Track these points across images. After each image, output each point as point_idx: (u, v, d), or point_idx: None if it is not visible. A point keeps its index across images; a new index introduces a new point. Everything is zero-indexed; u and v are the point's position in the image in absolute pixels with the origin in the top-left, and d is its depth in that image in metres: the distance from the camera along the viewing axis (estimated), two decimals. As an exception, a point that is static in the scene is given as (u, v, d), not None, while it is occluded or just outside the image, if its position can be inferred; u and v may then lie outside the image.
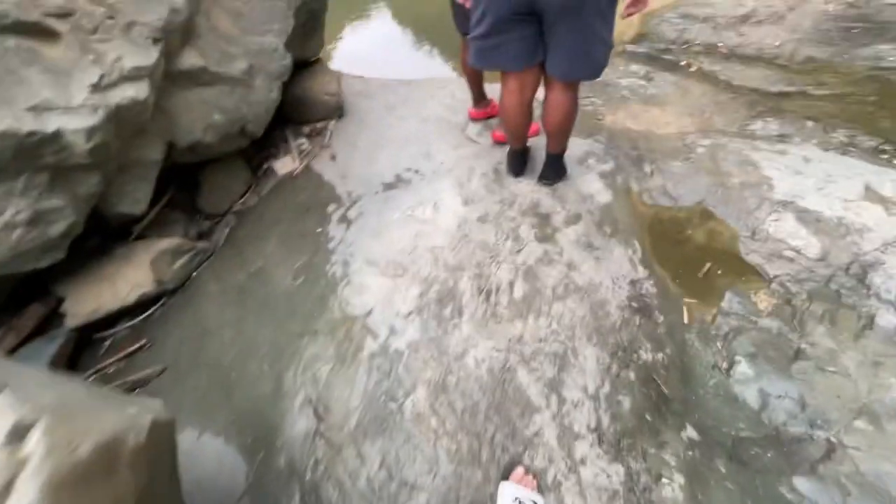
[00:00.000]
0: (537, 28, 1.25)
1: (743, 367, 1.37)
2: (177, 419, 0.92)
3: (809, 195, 1.68)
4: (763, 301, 1.54)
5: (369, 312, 1.37)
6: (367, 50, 5.29)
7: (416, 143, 2.24)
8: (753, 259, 1.64)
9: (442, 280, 1.39)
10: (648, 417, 1.18)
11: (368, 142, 2.40)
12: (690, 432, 1.20)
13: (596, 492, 1.05)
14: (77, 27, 1.34)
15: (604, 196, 1.81)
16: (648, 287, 1.57)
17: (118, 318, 1.80)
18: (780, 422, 1.24)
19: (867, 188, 1.66)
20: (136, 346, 1.72)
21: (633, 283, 1.55)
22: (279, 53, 2.03)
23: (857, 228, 1.55)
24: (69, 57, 1.31)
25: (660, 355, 1.36)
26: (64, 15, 1.32)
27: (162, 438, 0.81)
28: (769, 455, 1.17)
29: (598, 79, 1.36)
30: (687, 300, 1.60)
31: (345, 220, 1.93)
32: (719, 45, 3.79)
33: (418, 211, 1.70)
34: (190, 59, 1.69)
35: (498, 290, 1.38)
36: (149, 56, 1.45)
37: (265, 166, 2.49)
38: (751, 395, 1.31)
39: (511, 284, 1.41)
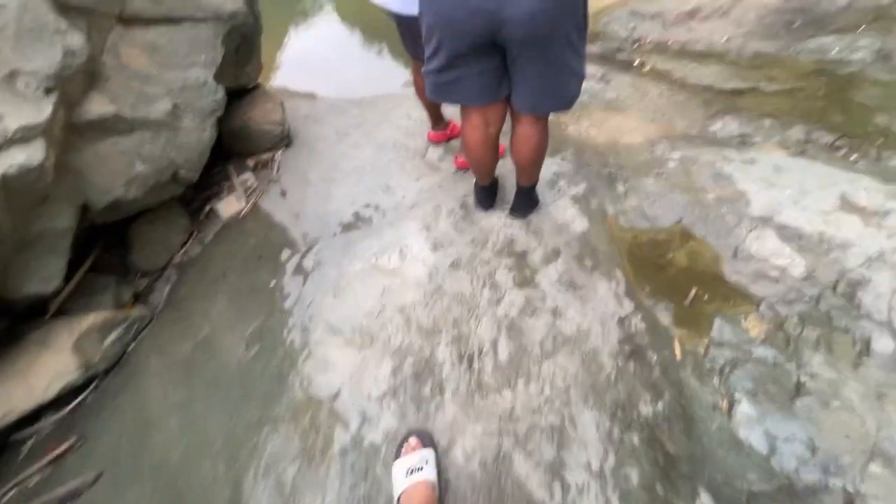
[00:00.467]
0: (500, 60, 1.10)
1: (744, 407, 1.29)
2: None
3: (787, 209, 1.63)
4: (754, 327, 1.47)
5: (336, 394, 1.19)
6: (312, 63, 5.02)
7: (374, 175, 2.06)
8: (738, 280, 1.57)
9: (417, 349, 1.23)
10: (659, 490, 1.07)
11: (321, 174, 2.19)
12: (704, 499, 1.09)
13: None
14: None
15: (579, 223, 1.70)
16: (637, 323, 1.47)
17: (41, 411, 1.53)
18: (792, 469, 1.16)
19: (842, 198, 1.62)
20: (65, 446, 1.46)
21: (621, 321, 1.45)
22: (209, 87, 1.80)
23: (840, 244, 1.50)
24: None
25: (659, 405, 1.26)
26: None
27: None
28: (787, 512, 1.08)
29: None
30: (677, 332, 1.51)
31: (301, 270, 1.73)
32: (670, 42, 3.80)
33: (383, 259, 1.52)
34: (98, 107, 1.44)
35: (481, 352, 1.24)
36: (41, 111, 1.21)
37: (207, 208, 2.24)
38: (757, 439, 1.23)
39: (494, 344, 1.26)
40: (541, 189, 1.83)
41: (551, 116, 1.29)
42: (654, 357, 1.40)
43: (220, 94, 1.85)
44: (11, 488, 1.39)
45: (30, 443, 1.51)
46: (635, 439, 1.15)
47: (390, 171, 2.05)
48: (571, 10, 0.95)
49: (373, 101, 2.77)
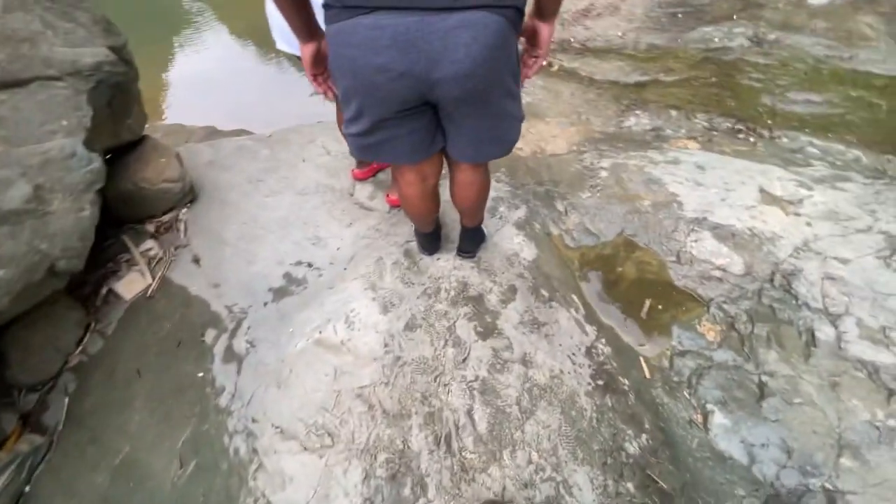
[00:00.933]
0: (432, 114, 0.99)
1: (718, 418, 1.30)
2: None
3: (717, 208, 1.69)
4: (709, 330, 1.51)
5: (302, 516, 1.02)
6: (207, 90, 4.58)
7: (300, 226, 1.85)
8: (686, 285, 1.61)
9: (387, 441, 1.09)
10: (664, 538, 1.03)
11: (238, 232, 1.94)
12: (706, 533, 1.07)
13: None
14: None
15: (528, 251, 1.64)
16: (602, 349, 1.44)
17: None
18: (773, 475, 1.18)
19: (761, 191, 1.72)
20: None
21: (588, 351, 1.41)
22: (79, 158, 1.49)
23: (769, 237, 1.58)
24: None
25: (643, 438, 1.23)
26: None
27: None
28: (780, 525, 1.10)
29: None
30: (640, 349, 1.51)
31: (233, 355, 1.50)
32: (571, 40, 3.92)
33: (328, 332, 1.35)
34: (-77, 211, 1.12)
35: (458, 428, 1.12)
36: None
37: (104, 291, 1.89)
38: (736, 450, 1.25)
39: (470, 414, 1.15)
40: (485, 220, 1.76)
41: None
42: (625, 382, 1.37)
43: (96, 162, 1.55)
44: None
45: None
46: (630, 486, 1.10)
47: (318, 218, 1.86)
48: (506, 58, 0.85)
49: (283, 136, 2.53)
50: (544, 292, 1.52)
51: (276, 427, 1.18)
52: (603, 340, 1.47)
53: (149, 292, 1.85)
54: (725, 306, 1.53)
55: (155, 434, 1.39)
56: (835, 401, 1.24)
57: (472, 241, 1.52)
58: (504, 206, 1.82)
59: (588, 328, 1.48)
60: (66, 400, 1.60)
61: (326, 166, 2.14)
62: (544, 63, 1.01)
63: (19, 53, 1.37)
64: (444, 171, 1.25)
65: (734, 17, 3.40)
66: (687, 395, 1.38)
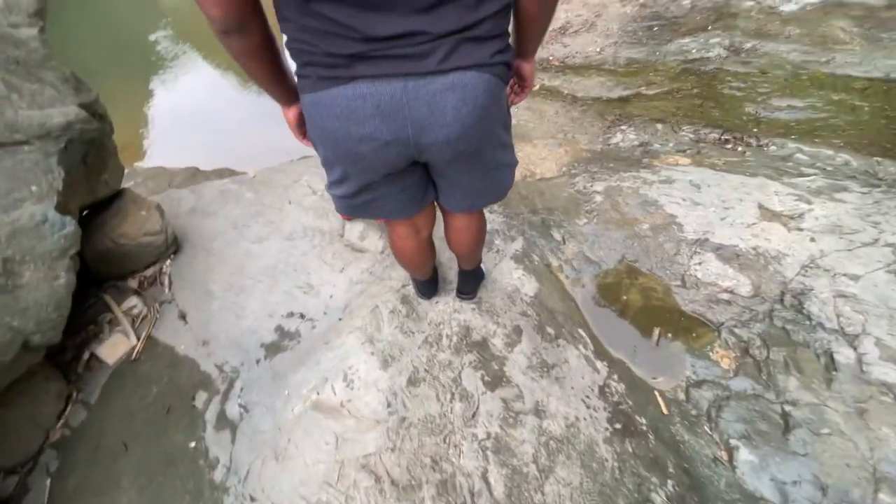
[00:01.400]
0: (423, 171, 0.94)
1: (744, 454, 1.24)
2: None
3: (717, 228, 1.65)
4: (723, 357, 1.45)
5: None
6: (185, 127, 4.51)
7: (290, 274, 1.78)
8: (694, 309, 1.56)
9: (398, 518, 1.01)
10: None
11: (225, 283, 1.86)
12: None
13: None
14: None
15: (528, 286, 1.58)
16: (615, 386, 1.38)
17: None
18: (810, 516, 1.12)
19: (760, 207, 1.69)
20: None
21: (602, 391, 1.34)
22: (52, 224, 1.41)
23: (774, 255, 1.54)
24: None
25: (669, 485, 1.16)
26: None
27: None
28: (825, 574, 1.02)
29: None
30: (654, 383, 1.45)
31: (225, 422, 1.41)
32: (550, 58, 3.94)
33: (325, 393, 1.27)
34: None
35: (473, 495, 1.04)
36: None
37: (86, 356, 1.79)
38: (767, 489, 1.18)
39: (485, 477, 1.07)
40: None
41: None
42: (643, 422, 1.31)
43: (70, 226, 1.47)
44: None
45: None
46: (662, 545, 1.03)
47: (308, 265, 1.79)
48: (497, 113, 0.80)
49: (267, 176, 2.47)
50: (550, 330, 1.45)
51: (276, 506, 1.09)
52: (615, 377, 1.41)
53: (134, 354, 1.76)
54: (737, 330, 1.48)
55: (145, 517, 1.29)
56: (864, 429, 1.18)
57: (472, 282, 1.46)
58: (500, 239, 1.77)
59: (598, 364, 1.42)
60: (48, 481, 1.49)
61: (314, 207, 2.07)
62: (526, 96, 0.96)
63: (-19, 121, 1.30)
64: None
65: (709, 27, 3.45)
66: (708, 430, 1.32)
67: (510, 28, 0.77)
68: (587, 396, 1.30)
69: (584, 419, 1.23)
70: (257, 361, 1.56)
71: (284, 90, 0.82)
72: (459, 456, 1.11)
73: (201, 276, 1.93)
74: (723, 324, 1.51)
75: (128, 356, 1.77)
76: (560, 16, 4.20)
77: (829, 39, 3.00)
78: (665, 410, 1.37)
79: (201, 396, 1.54)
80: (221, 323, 1.73)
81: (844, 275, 1.43)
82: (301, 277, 1.75)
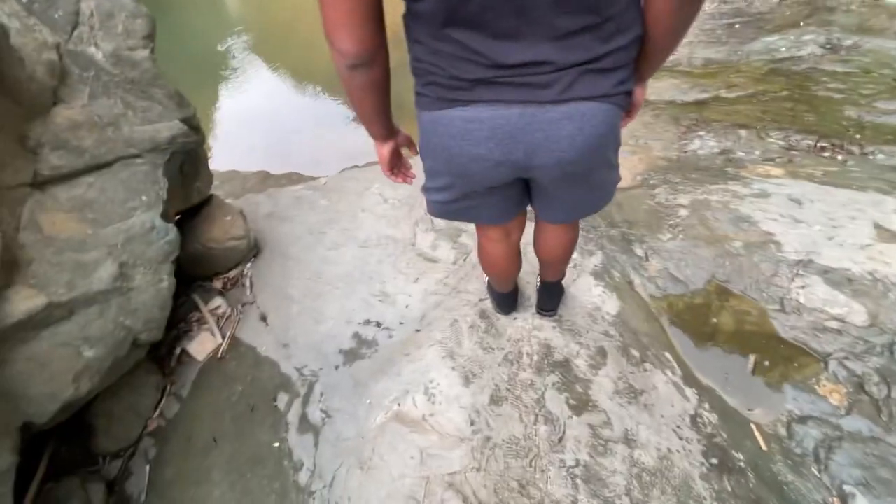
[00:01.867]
0: (524, 183, 0.94)
1: (861, 503, 1.12)
2: None
3: (824, 248, 1.51)
4: (831, 392, 1.32)
5: None
6: (255, 132, 4.73)
7: (366, 281, 1.82)
8: (796, 337, 1.43)
9: (487, 543, 1.00)
10: None
11: (303, 288, 1.93)
12: None
13: None
14: None
15: (610, 304, 1.52)
16: (708, 416, 1.29)
17: None
18: (947, 583, 0.99)
19: (876, 226, 1.52)
20: None
21: (694, 422, 1.26)
22: (158, 231, 1.53)
23: (895, 282, 1.38)
24: None
25: (775, 531, 1.07)
26: None
27: None
28: None
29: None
30: (749, 415, 1.34)
31: (308, 425, 1.46)
32: (618, 60, 3.79)
33: (407, 405, 1.28)
34: (24, 303, 1.15)
35: (564, 526, 1.01)
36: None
37: (178, 351, 1.92)
38: (891, 547, 1.06)
39: (575, 507, 1.04)
40: (556, 268, 1.66)
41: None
42: (740, 458, 1.22)
43: (172, 233, 1.58)
44: None
45: None
46: None
47: (383, 273, 1.82)
48: (612, 140, 0.79)
49: (339, 183, 2.55)
50: (635, 352, 1.39)
51: (364, 518, 1.11)
52: (706, 406, 1.32)
53: (220, 353, 1.86)
54: (848, 363, 1.35)
55: (236, 513, 1.36)
56: None
57: (554, 297, 1.42)
58: (577, 253, 1.71)
59: (688, 392, 1.34)
60: (148, 468, 1.61)
61: (386, 216, 2.11)
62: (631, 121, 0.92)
63: (105, 137, 1.42)
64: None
65: (801, 23, 3.18)
66: (816, 473, 1.21)
67: None
68: (678, 426, 1.23)
69: (678, 451, 1.16)
70: (336, 367, 1.60)
71: (385, 127, 0.86)
72: (547, 482, 1.08)
73: (280, 280, 2.02)
74: (831, 355, 1.37)
75: (214, 353, 1.88)
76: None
77: (947, 34, 2.67)
78: (764, 447, 1.27)
79: (283, 398, 1.60)
80: (300, 327, 1.80)
81: None
82: (376, 286, 1.78)
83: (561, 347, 1.36)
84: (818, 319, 1.42)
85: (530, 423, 1.19)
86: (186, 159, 1.88)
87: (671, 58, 3.44)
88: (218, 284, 2.16)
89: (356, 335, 1.66)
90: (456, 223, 2.02)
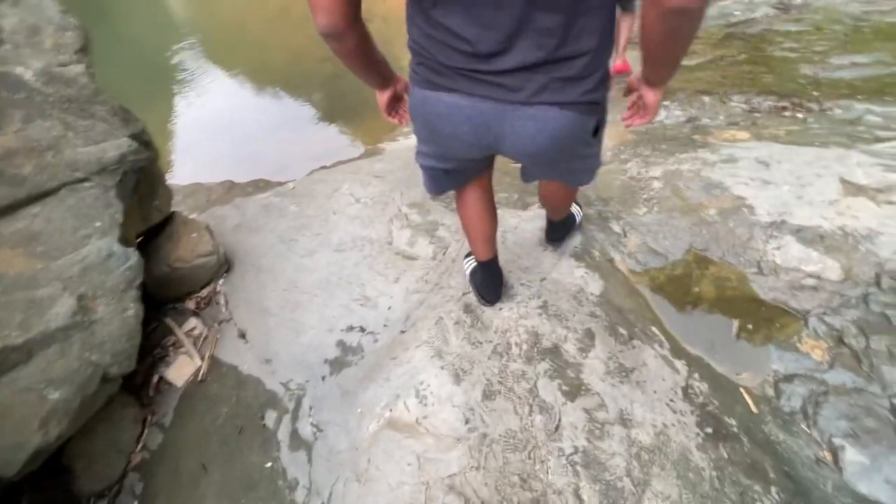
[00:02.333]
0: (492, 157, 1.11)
1: (851, 455, 1.15)
2: None
3: (794, 208, 1.54)
4: (813, 348, 1.35)
5: None
6: (216, 140, 4.56)
7: (344, 286, 1.77)
8: (776, 297, 1.46)
9: (495, 542, 0.98)
10: None
11: (280, 299, 1.87)
12: None
13: None
14: None
15: (593, 285, 1.51)
16: (698, 386, 1.30)
17: None
18: (938, 521, 1.02)
19: (842, 181, 1.55)
20: None
21: (686, 393, 1.27)
22: (117, 257, 1.44)
23: (864, 234, 1.42)
24: None
25: (773, 492, 1.08)
26: None
27: None
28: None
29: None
30: (738, 379, 1.36)
31: (299, 441, 1.42)
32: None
33: (399, 410, 1.25)
34: (-28, 351, 1.06)
35: (568, 514, 1.00)
36: None
37: (155, 379, 1.84)
38: (883, 493, 1.09)
39: (577, 494, 1.03)
40: (536, 254, 1.64)
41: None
42: (733, 423, 1.23)
43: (134, 258, 1.49)
44: None
45: None
46: (778, 561, 0.96)
47: (361, 276, 1.77)
48: (577, 138, 0.87)
49: (307, 187, 2.47)
50: (622, 330, 1.39)
51: (365, 531, 1.08)
52: (696, 375, 1.33)
53: (200, 376, 1.79)
54: (827, 318, 1.37)
55: (233, 540, 1.31)
56: None
57: (559, 230, 1.57)
58: (555, 236, 1.69)
59: (678, 364, 1.35)
60: (136, 504, 1.54)
61: (359, 216, 2.05)
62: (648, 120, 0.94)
63: (45, 163, 1.32)
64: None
65: (752, -14, 3.22)
66: (806, 429, 1.23)
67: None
68: (671, 400, 1.23)
69: (673, 425, 1.17)
70: (322, 378, 1.55)
71: (378, 79, 0.98)
72: (548, 472, 1.07)
73: (255, 294, 1.95)
74: (810, 311, 1.40)
75: (194, 377, 1.80)
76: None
77: (892, -15, 2.74)
78: (754, 409, 1.29)
79: (271, 416, 1.55)
80: (281, 340, 1.74)
81: (951, 251, 1.30)
82: (356, 289, 1.73)
83: (549, 334, 1.35)
84: (795, 278, 1.44)
85: (525, 415, 1.17)
86: (141, 178, 1.77)
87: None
88: (191, 305, 2.07)
89: (340, 343, 1.61)
90: (431, 217, 1.98)
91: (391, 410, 1.27)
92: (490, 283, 1.43)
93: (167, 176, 4.20)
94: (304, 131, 4.42)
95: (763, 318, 1.44)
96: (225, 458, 1.51)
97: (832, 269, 1.40)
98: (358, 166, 2.63)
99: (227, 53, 5.79)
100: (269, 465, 1.43)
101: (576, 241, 1.66)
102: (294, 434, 1.45)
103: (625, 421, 1.15)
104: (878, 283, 1.35)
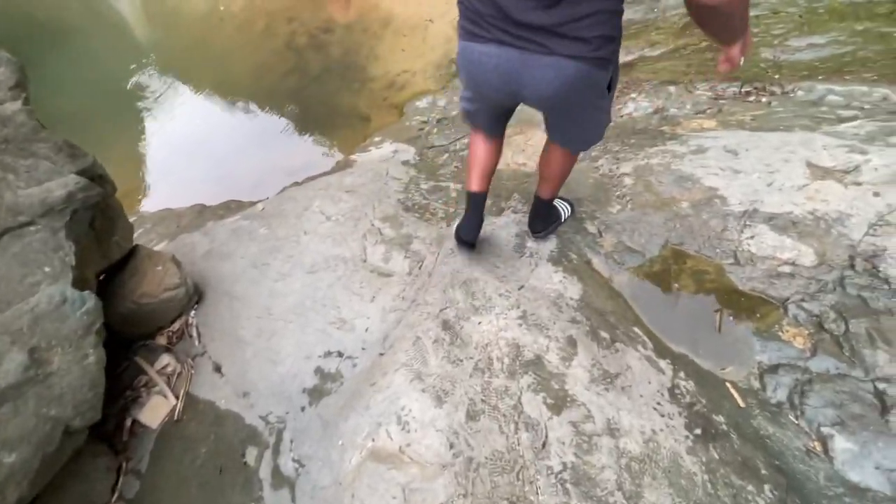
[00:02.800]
0: (510, 111, 1.36)
1: (840, 443, 1.14)
2: None
3: (765, 196, 1.53)
4: (794, 336, 1.34)
5: None
6: (185, 162, 4.43)
7: (319, 310, 1.71)
8: (753, 287, 1.45)
9: (487, 575, 0.94)
10: None
11: (254, 328, 1.80)
12: None
13: None
14: None
15: (572, 288, 1.48)
16: (685, 385, 1.28)
17: None
18: (929, 505, 1.02)
19: (809, 165, 1.55)
20: None
21: (673, 394, 1.25)
22: (72, 302, 1.36)
23: (835, 217, 1.42)
24: None
25: (766, 490, 1.07)
26: None
27: None
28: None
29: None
30: (724, 374, 1.35)
31: (282, 479, 1.36)
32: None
33: (381, 439, 1.20)
34: None
35: (561, 537, 0.96)
36: None
37: (128, 423, 1.75)
38: (874, 479, 1.08)
39: (569, 513, 1.00)
40: (513, 261, 1.61)
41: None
42: (722, 421, 1.21)
43: (90, 301, 1.41)
44: None
45: None
46: (776, 563, 0.94)
47: (337, 297, 1.72)
48: (589, 88, 1.05)
49: (277, 207, 2.40)
50: (604, 334, 1.36)
51: (353, 573, 1.03)
52: (682, 374, 1.31)
53: (175, 415, 1.71)
54: (806, 305, 1.37)
55: (219, 591, 1.24)
56: (976, 401, 1.07)
57: (542, 215, 1.58)
58: (531, 241, 1.67)
59: (662, 364, 1.33)
60: (115, 560, 1.46)
61: (331, 235, 1.99)
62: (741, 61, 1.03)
63: (-19, 211, 1.24)
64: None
65: (707, -27, 3.24)
66: (794, 420, 1.22)
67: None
68: (658, 403, 1.21)
69: (662, 430, 1.14)
70: (302, 409, 1.50)
71: None
72: (538, 493, 1.03)
73: (229, 324, 1.87)
74: (788, 299, 1.39)
75: (170, 417, 1.72)
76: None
77: (842, -35, 2.79)
78: (741, 403, 1.28)
79: (251, 452, 1.49)
80: (258, 371, 1.67)
81: (920, 229, 1.31)
82: (332, 312, 1.68)
83: (530, 344, 1.31)
84: (771, 266, 1.44)
85: (511, 433, 1.13)
86: (96, 214, 1.68)
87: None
88: (162, 340, 1.98)
89: (318, 370, 1.55)
90: (405, 230, 1.93)
91: (373, 440, 1.21)
92: (469, 221, 1.54)
93: (138, 204, 4.07)
94: (274, 146, 4.33)
95: (743, 309, 1.43)
96: (206, 502, 1.44)
97: (806, 254, 1.40)
98: (328, 182, 2.57)
99: (191, 72, 5.64)
100: (252, 505, 1.37)
101: (552, 244, 1.63)
102: (276, 471, 1.39)
103: (612, 431, 1.12)
104: (852, 266, 1.35)
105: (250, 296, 1.93)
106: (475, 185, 1.52)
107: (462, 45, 1.12)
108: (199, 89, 5.38)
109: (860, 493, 1.07)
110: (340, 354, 1.55)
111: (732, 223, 1.52)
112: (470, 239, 1.54)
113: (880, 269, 1.30)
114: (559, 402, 1.18)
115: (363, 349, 1.52)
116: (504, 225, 1.76)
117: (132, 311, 1.86)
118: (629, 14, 3.45)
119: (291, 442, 1.42)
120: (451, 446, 1.13)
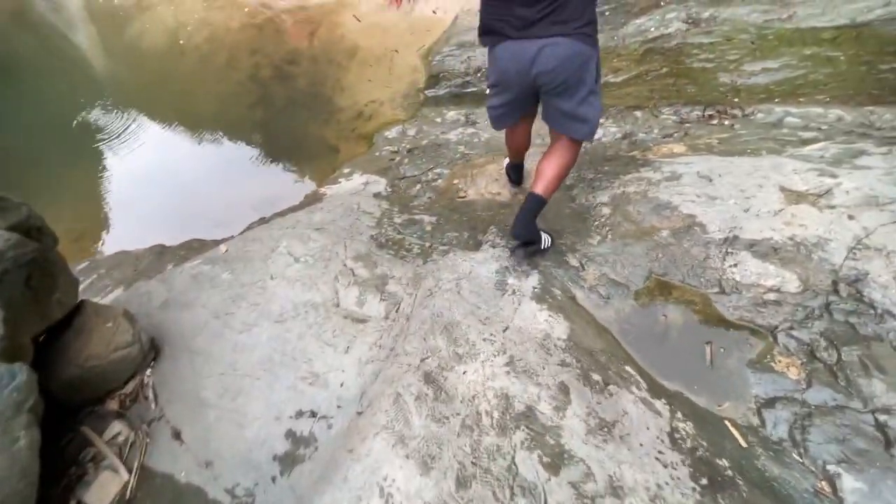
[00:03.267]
0: (533, 99, 1.56)
1: (848, 482, 1.09)
2: None
3: (743, 222, 1.52)
4: (788, 366, 1.31)
5: None
6: (145, 199, 4.20)
7: (289, 364, 1.58)
8: (741, 316, 1.41)
9: None
10: None
11: (218, 386, 1.64)
12: None
13: None
14: None
15: (559, 327, 1.41)
16: (685, 429, 1.22)
17: None
18: (946, 547, 0.97)
19: (782, 189, 1.56)
20: None
21: (674, 440, 1.18)
22: (-2, 379, 1.18)
23: (814, 242, 1.41)
24: None
25: (781, 543, 0.99)
26: None
27: None
28: None
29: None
30: (720, 412, 1.29)
31: (252, 565, 1.19)
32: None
33: (363, 514, 1.07)
34: None
35: None
36: None
37: (72, 506, 1.54)
38: (887, 521, 1.03)
39: None
40: (495, 300, 1.53)
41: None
42: (726, 465, 1.15)
43: (21, 375, 1.24)
44: None
45: None
46: None
47: (308, 349, 1.59)
48: (583, 62, 1.37)
49: (241, 249, 2.25)
50: (596, 377, 1.28)
51: None
52: (679, 415, 1.25)
53: (128, 493, 1.52)
54: (795, 332, 1.34)
55: None
56: (978, 431, 1.04)
57: (524, 223, 1.54)
58: (512, 277, 1.60)
59: (658, 405, 1.26)
60: None
61: (300, 278, 1.87)
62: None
63: None
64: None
65: (661, 3, 3.38)
66: (799, 458, 1.16)
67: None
68: (660, 452, 1.13)
69: (667, 483, 1.06)
70: (273, 479, 1.35)
71: None
72: (541, 571, 0.92)
73: (190, 383, 1.70)
74: (777, 327, 1.36)
75: (122, 495, 1.52)
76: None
77: (785, -6, 2.95)
78: (743, 443, 1.22)
79: (216, 534, 1.32)
80: (223, 436, 1.51)
81: (898, 251, 1.31)
82: (303, 366, 1.54)
83: (520, 394, 1.22)
84: (757, 294, 1.41)
85: (507, 500, 1.03)
86: (33, 271, 1.51)
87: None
88: (113, 405, 1.78)
89: (290, 433, 1.41)
90: (379, 270, 1.83)
91: (354, 516, 1.08)
92: (514, 172, 2.13)
93: (93, 247, 3.79)
94: (239, 180, 4.17)
95: (733, 340, 1.39)
96: None
97: (790, 281, 1.38)
98: (296, 219, 2.45)
99: (152, 107, 5.45)
100: None
101: (534, 279, 1.56)
102: (244, 556, 1.23)
103: (616, 490, 1.03)
104: (836, 291, 1.33)
105: (213, 350, 1.76)
106: (514, 158, 2.07)
107: (490, 51, 1.48)
108: (161, 124, 5.18)
109: (875, 538, 1.01)
110: (314, 414, 1.42)
111: (714, 251, 1.50)
112: (518, 181, 2.18)
113: (864, 293, 1.29)
114: (556, 460, 1.09)
115: (339, 407, 1.39)
116: (483, 261, 1.69)
117: (77, 376, 1.67)
118: (591, 42, 3.55)
119: (262, 520, 1.27)
120: (442, 521, 1.01)
